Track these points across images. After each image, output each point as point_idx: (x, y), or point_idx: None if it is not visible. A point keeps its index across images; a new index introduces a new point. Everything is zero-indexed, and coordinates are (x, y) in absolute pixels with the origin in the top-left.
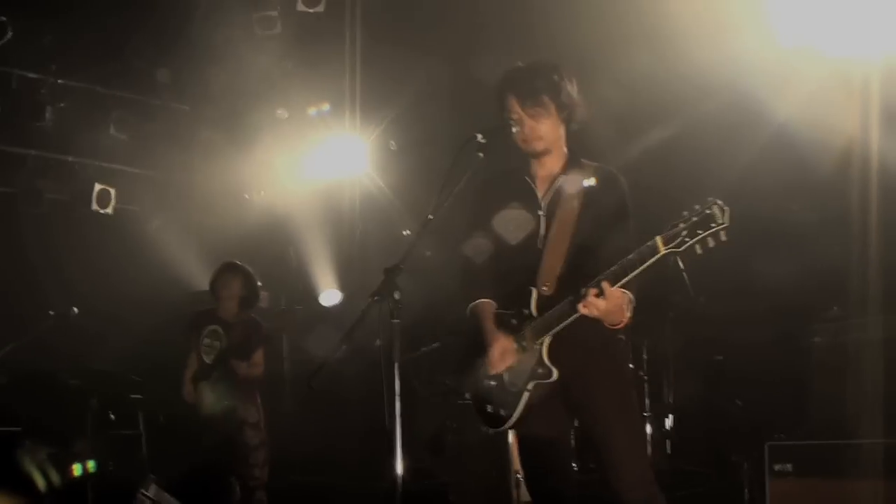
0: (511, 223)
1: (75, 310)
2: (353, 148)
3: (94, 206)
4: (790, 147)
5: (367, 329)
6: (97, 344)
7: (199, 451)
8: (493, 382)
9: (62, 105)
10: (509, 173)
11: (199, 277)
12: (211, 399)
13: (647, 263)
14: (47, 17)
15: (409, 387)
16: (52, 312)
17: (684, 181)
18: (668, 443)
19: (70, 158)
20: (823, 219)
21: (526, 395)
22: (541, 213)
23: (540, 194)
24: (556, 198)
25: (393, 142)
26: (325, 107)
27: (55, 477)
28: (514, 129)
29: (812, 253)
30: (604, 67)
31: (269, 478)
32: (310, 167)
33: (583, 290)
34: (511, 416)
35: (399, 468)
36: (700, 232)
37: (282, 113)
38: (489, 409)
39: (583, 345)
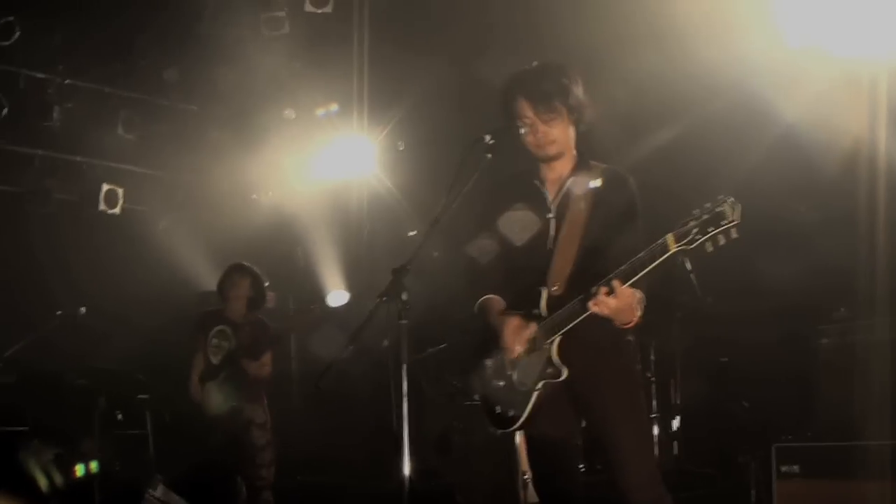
0: (520, 226)
1: (83, 310)
2: (360, 148)
3: (102, 206)
4: (798, 147)
5: (375, 329)
6: (104, 344)
7: (205, 452)
8: (501, 383)
9: (70, 105)
10: (518, 176)
11: (207, 278)
12: (218, 399)
13: (658, 261)
14: (55, 16)
15: (417, 387)
16: (59, 312)
17: (691, 181)
18: (675, 444)
19: (78, 158)
20: (831, 219)
21: (535, 395)
22: (550, 215)
23: (549, 197)
24: (566, 200)
25: (401, 142)
26: (334, 107)
27: (58, 477)
28: (521, 131)
29: (819, 253)
30: (611, 67)
31: (275, 478)
32: (317, 167)
33: (593, 289)
34: (520, 416)
35: (406, 468)
36: (711, 229)
37: (289, 113)
38: (498, 409)
39: (593, 345)
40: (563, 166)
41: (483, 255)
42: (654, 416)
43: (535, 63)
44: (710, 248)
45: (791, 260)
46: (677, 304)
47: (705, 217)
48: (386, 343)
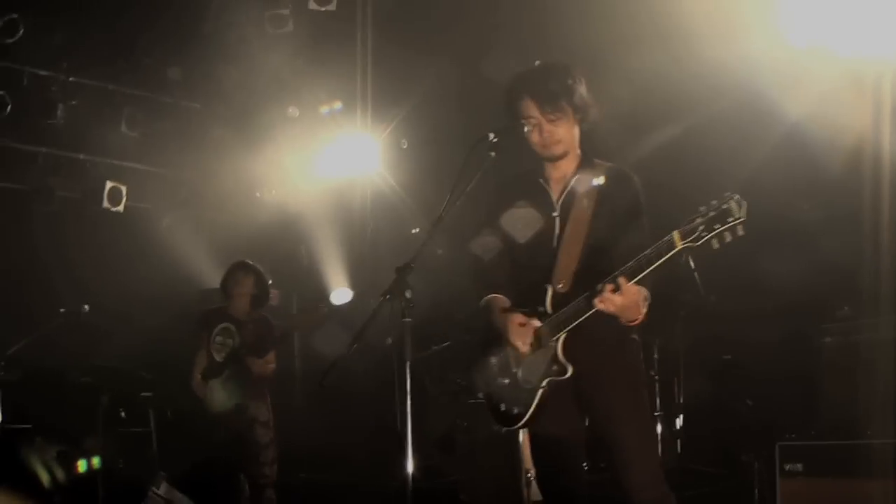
0: (525, 224)
1: (86, 307)
2: (364, 146)
3: (106, 204)
4: (802, 146)
5: (378, 327)
6: (108, 341)
7: (209, 449)
8: (506, 380)
9: (73, 103)
10: (523, 175)
11: (210, 275)
12: (222, 397)
13: (665, 258)
14: (58, 14)
15: (420, 385)
16: (62, 310)
17: (695, 180)
18: (678, 442)
19: (81, 156)
20: (835, 218)
21: (540, 393)
22: (555, 213)
23: (554, 196)
24: (570, 199)
25: (404, 140)
26: (337, 105)
27: (60, 474)
28: (526, 129)
29: (823, 252)
30: (616, 66)
31: (278, 475)
32: (321, 165)
33: (599, 286)
34: (525, 414)
35: (410, 466)
36: (717, 226)
37: (293, 111)
38: (503, 407)
39: (598, 342)
40: (568, 165)
41: (488, 254)
42: (657, 414)
43: (538, 63)
44: (716, 245)
45: (795, 259)
46: (681, 302)
47: (712, 214)
48: (389, 341)
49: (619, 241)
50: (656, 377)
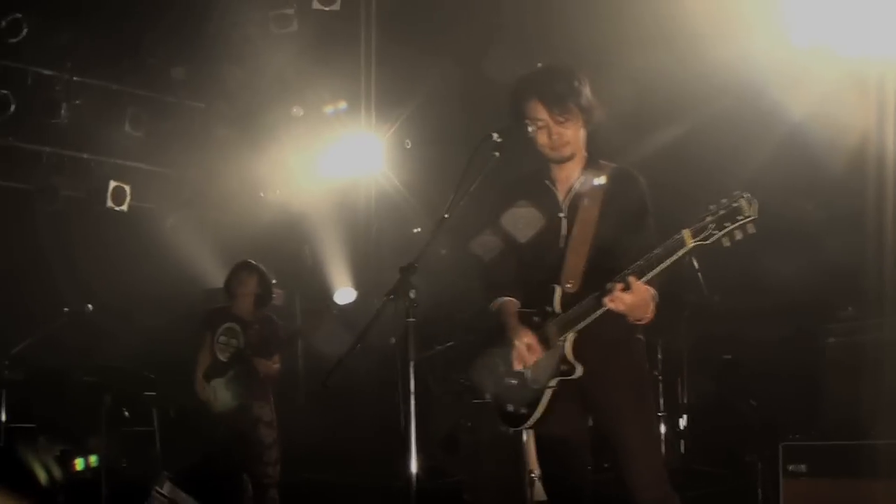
0: (532, 225)
1: (90, 307)
2: (368, 146)
3: (110, 204)
4: (805, 146)
5: (382, 327)
6: (111, 341)
7: (212, 449)
8: (514, 381)
9: (77, 102)
10: (529, 176)
11: (214, 275)
12: (225, 397)
13: (675, 257)
14: (63, 14)
15: (424, 385)
16: (66, 309)
17: (699, 179)
18: (681, 442)
19: (85, 155)
20: (838, 217)
21: (548, 393)
22: (562, 215)
23: (561, 197)
24: (577, 199)
25: (408, 140)
26: (341, 105)
27: (59, 473)
28: (530, 130)
29: (827, 252)
30: (619, 66)
31: (281, 475)
32: (325, 165)
33: (609, 285)
34: (533, 414)
35: (413, 466)
36: (728, 224)
37: (297, 111)
38: (510, 408)
39: (606, 342)
40: (574, 166)
41: (493, 254)
42: (661, 414)
43: (540, 64)
44: (727, 243)
45: (798, 259)
46: (684, 302)
47: (722, 212)
48: (393, 341)
49: (627, 241)
50: (660, 377)
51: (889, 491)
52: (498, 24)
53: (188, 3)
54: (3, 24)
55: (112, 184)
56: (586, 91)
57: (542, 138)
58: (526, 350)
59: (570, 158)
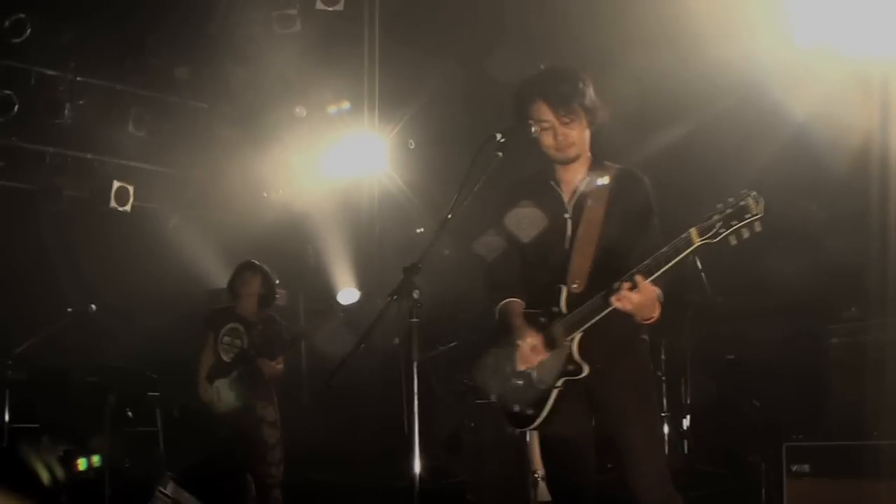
0: (537, 226)
1: (93, 307)
2: (371, 146)
3: (113, 204)
4: (808, 146)
5: (385, 327)
6: (114, 341)
7: (215, 449)
8: (520, 381)
9: (81, 102)
10: (533, 177)
11: (217, 275)
12: (228, 397)
13: (682, 255)
14: (66, 14)
15: (427, 385)
16: (70, 309)
17: (702, 179)
18: (685, 442)
19: (89, 156)
20: (841, 218)
21: (555, 393)
22: (567, 215)
23: (566, 198)
24: (582, 200)
25: (411, 140)
26: (345, 105)
27: (61, 472)
28: (533, 130)
29: (830, 252)
30: (622, 67)
31: (284, 475)
32: (328, 165)
33: (616, 284)
34: (539, 414)
35: (417, 466)
36: (735, 223)
37: (300, 111)
38: (516, 408)
39: (611, 342)
40: (579, 167)
41: (498, 255)
42: (664, 414)
43: (543, 66)
44: (733, 241)
45: (802, 259)
46: (688, 302)
47: (729, 211)
48: (396, 341)
49: (633, 241)
50: (663, 377)
51: (892, 491)
52: (501, 24)
53: (191, 3)
54: (7, 24)
55: (115, 184)
56: (591, 92)
57: (547, 139)
58: (530, 351)
59: (575, 159)
